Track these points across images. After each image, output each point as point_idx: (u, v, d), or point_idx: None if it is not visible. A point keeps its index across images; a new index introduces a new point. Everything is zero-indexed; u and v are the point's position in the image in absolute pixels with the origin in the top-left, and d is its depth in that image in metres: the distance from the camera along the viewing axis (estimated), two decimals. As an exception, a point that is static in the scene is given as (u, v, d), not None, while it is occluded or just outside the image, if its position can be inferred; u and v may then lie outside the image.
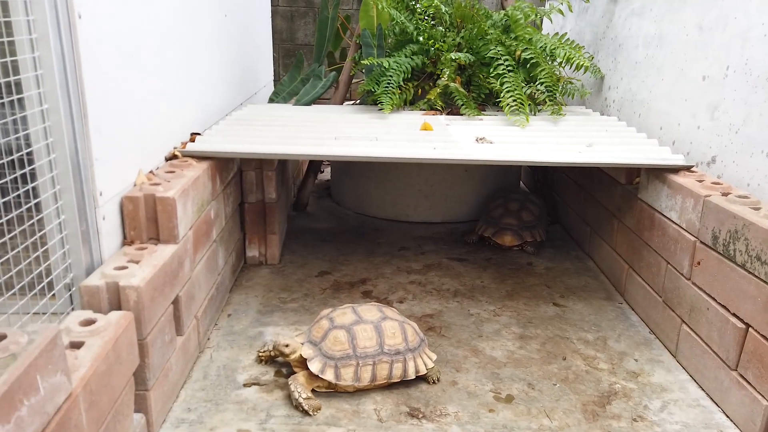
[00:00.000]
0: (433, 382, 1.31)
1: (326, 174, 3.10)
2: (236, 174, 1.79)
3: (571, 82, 2.32)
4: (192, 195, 1.30)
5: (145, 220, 1.19)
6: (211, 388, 1.26)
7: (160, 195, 1.17)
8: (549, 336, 1.54)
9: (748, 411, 1.15)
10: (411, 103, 2.22)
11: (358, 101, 2.57)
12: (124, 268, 1.04)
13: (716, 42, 1.53)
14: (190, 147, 1.49)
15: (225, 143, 1.54)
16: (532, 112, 2.06)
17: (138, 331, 1.00)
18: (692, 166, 1.51)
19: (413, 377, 1.28)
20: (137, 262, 1.08)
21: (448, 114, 2.07)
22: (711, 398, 1.28)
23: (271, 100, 2.44)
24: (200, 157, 1.47)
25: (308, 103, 2.31)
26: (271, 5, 3.83)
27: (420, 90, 2.28)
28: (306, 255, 2.03)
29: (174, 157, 1.47)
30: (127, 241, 1.18)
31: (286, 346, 1.24)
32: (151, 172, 1.32)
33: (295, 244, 2.13)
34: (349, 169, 2.52)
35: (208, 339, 1.47)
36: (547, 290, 1.82)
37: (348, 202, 2.56)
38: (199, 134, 1.67)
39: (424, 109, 2.16)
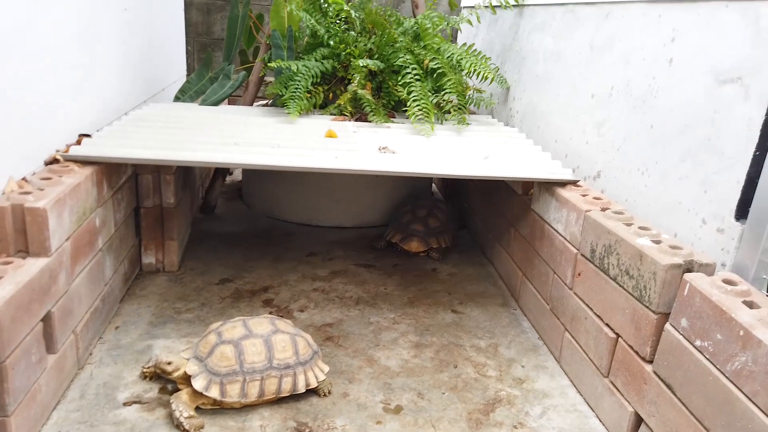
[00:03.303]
0: (324, 395, 1.31)
1: (237, 175, 3.02)
2: (130, 177, 1.71)
3: (479, 91, 2.38)
4: (70, 204, 1.23)
5: (13, 232, 1.11)
6: (88, 408, 1.20)
7: (30, 205, 1.09)
8: (444, 344, 1.58)
9: (617, 416, 1.22)
10: (322, 107, 2.21)
11: (270, 102, 2.53)
12: (-19, 285, 0.97)
13: (604, 62, 1.61)
14: (74, 151, 1.41)
15: (114, 147, 1.47)
16: (439, 121, 2.10)
17: (-6, 354, 0.93)
18: (578, 181, 1.58)
19: (304, 391, 1.27)
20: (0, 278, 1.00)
21: (356, 120, 2.07)
22: (587, 403, 1.35)
23: (177, 99, 2.36)
24: (84, 161, 1.39)
25: (215, 103, 2.25)
26: (186, -4, 3.70)
27: (331, 94, 2.26)
28: (209, 261, 1.98)
29: (55, 161, 1.38)
30: (-10, 254, 1.10)
31: (169, 363, 1.20)
32: (24, 178, 1.23)
33: (199, 250, 2.06)
34: (260, 171, 2.47)
35: (90, 354, 1.39)
36: (448, 297, 1.86)
37: (259, 205, 2.52)
38: (88, 136, 1.58)
39: (334, 114, 2.15)
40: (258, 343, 1.24)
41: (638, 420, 1.16)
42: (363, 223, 2.43)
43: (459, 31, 2.33)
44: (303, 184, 2.36)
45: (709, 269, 1.07)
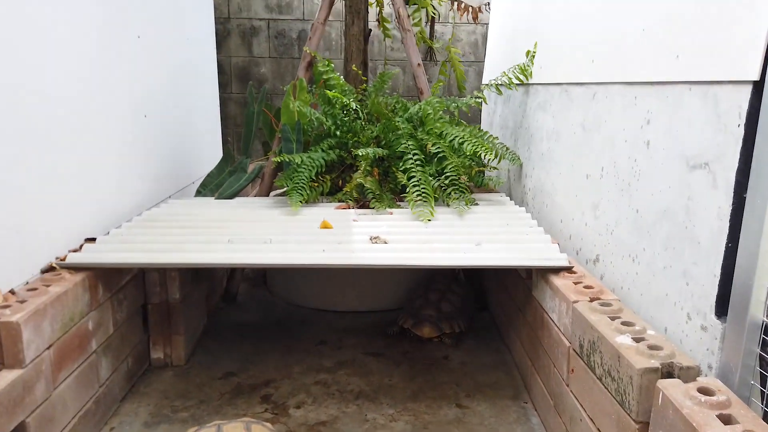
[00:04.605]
0: (300, 506, 1.25)
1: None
2: (136, 275, 1.77)
3: (494, 169, 2.36)
4: (52, 313, 1.28)
5: (-7, 345, 1.16)
6: None
7: (4, 319, 1.15)
8: (440, 445, 1.49)
9: None
10: (330, 194, 2.25)
11: (284, 191, 2.60)
12: (-54, 403, 1.01)
13: (594, 142, 1.57)
14: (70, 258, 1.48)
15: (109, 252, 1.53)
16: (445, 203, 2.08)
17: (-53, 474, 0.96)
18: (572, 267, 1.50)
19: (276, 502, 1.22)
20: (-33, 394, 1.04)
21: (360, 207, 2.09)
22: None
23: (198, 193, 2.46)
24: (77, 268, 1.46)
25: (231, 196, 2.33)
26: (224, 92, 3.96)
27: (341, 180, 2.31)
28: (219, 353, 1.99)
29: (51, 269, 1.45)
30: (-31, 367, 1.15)
31: (135, 474, 1.18)
32: (11, 290, 1.30)
33: (212, 341, 2.08)
34: (278, 258, 2.51)
35: (79, 459, 1.41)
36: (455, 389, 1.77)
37: (280, 290, 2.54)
38: (93, 240, 1.67)
39: (343, 201, 2.18)
40: (227, 451, 1.21)
41: None
42: (380, 307, 2.39)
43: (463, 112, 2.34)
44: (321, 270, 2.37)
45: (691, 373, 0.97)
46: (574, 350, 1.29)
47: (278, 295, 2.54)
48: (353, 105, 2.19)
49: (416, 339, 2.11)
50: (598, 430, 1.16)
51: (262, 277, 2.84)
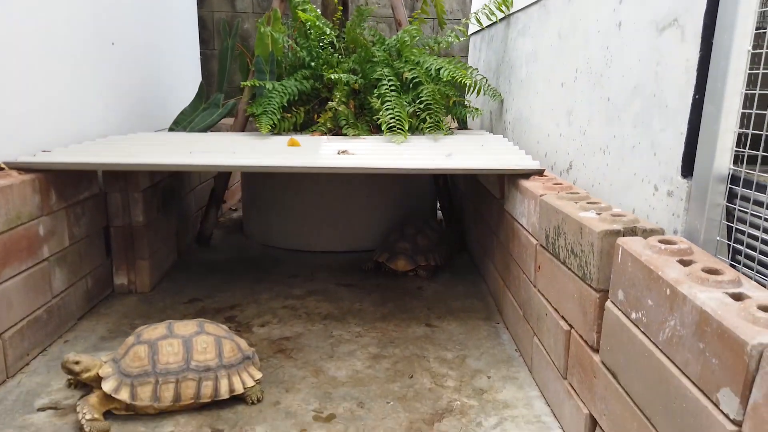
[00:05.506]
0: (252, 403, 1.19)
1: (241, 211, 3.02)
2: (97, 195, 1.71)
3: (464, 103, 2.30)
4: (-6, 203, 1.22)
5: (-74, 227, 1.10)
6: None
7: (-64, 197, 1.08)
8: (405, 355, 1.44)
9: (575, 422, 1.04)
10: (305, 127, 2.18)
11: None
12: None
13: (569, 47, 1.51)
14: (20, 159, 1.42)
15: (62, 156, 1.47)
16: (421, 131, 2.02)
17: None
18: (543, 171, 1.45)
19: (227, 397, 1.16)
20: None
21: (333, 135, 2.03)
22: (553, 414, 1.17)
23: (171, 129, 2.40)
24: (27, 169, 1.39)
25: (203, 130, 2.27)
26: (206, 48, 3.88)
27: (316, 114, 2.24)
28: (186, 283, 1.93)
29: (0, 169, 1.39)
30: None
31: (76, 363, 1.13)
32: (-49, 179, 1.24)
33: (181, 274, 2.02)
34: (256, 200, 2.45)
35: (27, 364, 1.35)
36: (426, 312, 1.72)
37: (256, 234, 2.48)
38: (48, 152, 1.60)
39: (321, 131, 2.12)
40: (176, 343, 1.15)
41: (594, 423, 0.98)
42: (359, 247, 2.34)
43: (440, 46, 2.25)
44: (293, 210, 2.31)
45: (654, 235, 0.92)
46: (541, 245, 1.23)
47: (254, 238, 2.48)
48: (328, 31, 2.12)
49: (391, 273, 2.05)
50: (563, 317, 1.10)
51: (238, 224, 2.78)
